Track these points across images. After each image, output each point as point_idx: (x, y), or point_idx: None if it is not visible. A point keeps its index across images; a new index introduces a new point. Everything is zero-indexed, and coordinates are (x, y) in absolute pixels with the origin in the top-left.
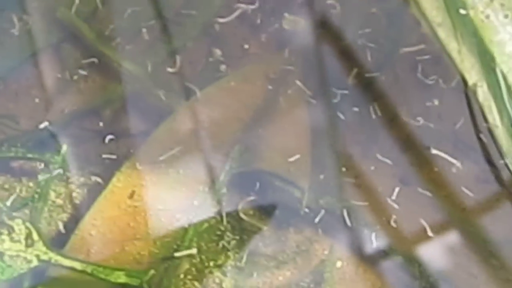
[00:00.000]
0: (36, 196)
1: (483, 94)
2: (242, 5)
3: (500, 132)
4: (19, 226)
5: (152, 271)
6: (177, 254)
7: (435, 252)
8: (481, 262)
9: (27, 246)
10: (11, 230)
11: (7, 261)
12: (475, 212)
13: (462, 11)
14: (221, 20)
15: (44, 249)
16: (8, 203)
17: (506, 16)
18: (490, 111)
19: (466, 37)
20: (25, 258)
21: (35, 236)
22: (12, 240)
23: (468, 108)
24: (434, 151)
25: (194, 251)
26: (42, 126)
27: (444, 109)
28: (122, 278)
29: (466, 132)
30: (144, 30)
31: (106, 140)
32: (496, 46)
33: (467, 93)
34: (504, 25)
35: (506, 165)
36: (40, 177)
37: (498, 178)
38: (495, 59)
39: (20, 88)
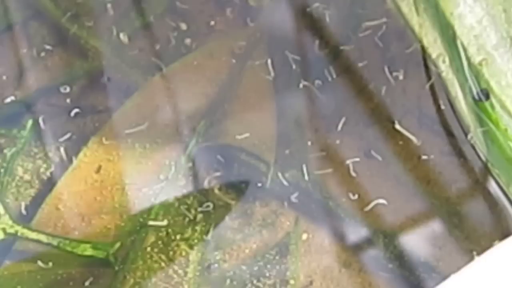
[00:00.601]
0: (2, 170)
1: (445, 67)
2: None
3: (462, 105)
4: None
5: (118, 244)
6: (150, 223)
7: (399, 224)
8: (445, 234)
9: None
10: None
11: None
12: (439, 185)
13: None
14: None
15: (10, 222)
16: None
17: None
18: (452, 85)
19: (428, 11)
20: None
21: (1, 209)
22: None
23: (430, 81)
24: (398, 126)
25: (164, 222)
26: (8, 100)
27: (408, 83)
28: (88, 251)
29: (430, 105)
30: (109, 6)
31: (72, 114)
32: (456, 18)
33: (430, 67)
34: None
35: (467, 137)
36: (6, 152)
37: (461, 150)
38: (456, 32)
39: None
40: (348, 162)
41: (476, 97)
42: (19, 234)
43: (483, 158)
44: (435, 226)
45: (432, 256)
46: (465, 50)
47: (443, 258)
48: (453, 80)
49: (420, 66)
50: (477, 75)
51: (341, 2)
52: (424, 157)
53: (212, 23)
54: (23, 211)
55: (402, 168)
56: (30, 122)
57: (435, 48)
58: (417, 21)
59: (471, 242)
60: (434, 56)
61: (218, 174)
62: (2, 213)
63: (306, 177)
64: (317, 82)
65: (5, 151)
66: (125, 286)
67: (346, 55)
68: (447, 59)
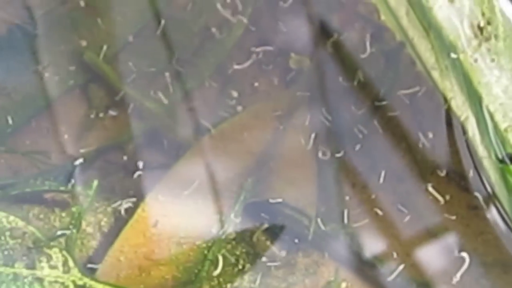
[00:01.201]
0: (71, 227)
1: (472, 129)
2: (253, 49)
3: (488, 164)
4: (56, 254)
5: None
6: (204, 274)
7: (430, 275)
8: (472, 283)
9: (64, 272)
10: (49, 258)
11: (46, 286)
12: (467, 237)
13: (453, 55)
14: (236, 66)
15: (79, 275)
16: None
17: (492, 60)
18: (478, 145)
19: (456, 78)
20: (62, 284)
21: (70, 263)
22: (50, 267)
23: (459, 141)
24: (430, 188)
25: (216, 272)
26: (77, 162)
27: (438, 141)
28: None
29: (457, 163)
30: (162, 71)
31: (130, 171)
32: (483, 87)
33: (457, 127)
34: (490, 69)
35: (495, 195)
36: (74, 209)
37: (487, 206)
38: (483, 99)
39: (50, 125)
40: (382, 215)
41: (502, 159)
42: (87, 286)
43: (508, 214)
44: (466, 277)
45: None
46: (491, 115)
47: None
48: (479, 141)
49: (449, 126)
50: (503, 140)
51: (376, 65)
52: (452, 213)
53: (256, 84)
54: (87, 263)
55: (431, 222)
56: (95, 182)
57: (463, 110)
58: (446, 85)
59: None
60: (462, 118)
61: (264, 227)
62: (72, 266)
63: (345, 230)
64: (353, 141)
65: (73, 209)
66: None
67: (380, 115)
68: (474, 122)
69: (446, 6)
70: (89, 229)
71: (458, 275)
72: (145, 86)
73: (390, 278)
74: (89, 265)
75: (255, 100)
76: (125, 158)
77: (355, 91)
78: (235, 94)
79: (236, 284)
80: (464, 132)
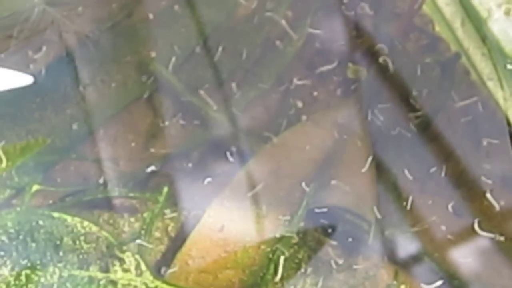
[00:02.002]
0: (143, 232)
1: None
2: (313, 60)
3: None
4: (129, 258)
5: None
6: (269, 277)
7: (489, 276)
8: None
9: (137, 275)
10: (122, 262)
11: None
12: None
13: (509, 66)
14: (298, 82)
15: (151, 278)
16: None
17: None
18: None
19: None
20: (135, 286)
21: (143, 266)
22: (124, 270)
23: None
24: (488, 195)
25: (279, 276)
26: (148, 170)
27: (492, 150)
28: None
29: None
30: (227, 79)
31: (195, 178)
32: None
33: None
34: None
35: None
36: (145, 215)
37: None
38: None
39: (118, 133)
40: (437, 221)
41: None
42: None
43: None
44: None
45: None
46: None
47: None
48: None
49: (504, 135)
50: None
51: (431, 76)
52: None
53: (315, 94)
54: (157, 267)
55: (486, 226)
56: (165, 189)
57: None
58: (502, 95)
59: None
60: None
61: (326, 231)
62: (144, 269)
63: (404, 234)
64: (409, 149)
65: (144, 215)
66: None
67: (436, 126)
68: None
69: (502, 19)
70: (157, 234)
71: None
72: (210, 96)
73: (447, 280)
74: (159, 269)
75: (315, 109)
76: (190, 165)
77: (411, 101)
78: (299, 103)
79: (299, 287)
80: None
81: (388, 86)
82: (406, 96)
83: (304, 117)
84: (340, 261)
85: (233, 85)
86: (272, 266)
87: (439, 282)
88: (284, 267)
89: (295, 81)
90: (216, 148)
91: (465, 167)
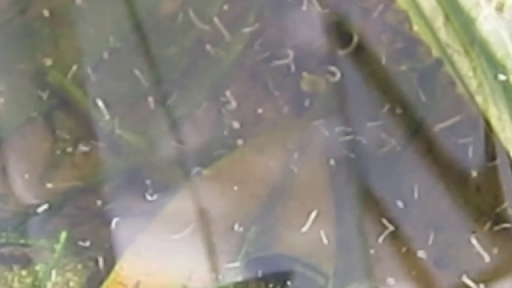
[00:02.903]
0: None
1: None
2: (257, 68)
3: None
4: None
5: None
6: None
7: None
8: None
9: None
10: None
11: None
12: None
13: (502, 77)
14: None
15: None
16: None
17: None
18: None
19: (506, 104)
20: None
21: None
22: None
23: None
24: (473, 240)
25: None
26: (40, 209)
27: (482, 181)
28: None
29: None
30: (146, 95)
31: (106, 219)
32: None
33: (506, 164)
34: None
35: None
36: (37, 267)
37: None
38: None
39: (8, 162)
40: (416, 272)
41: None
42: None
43: None
44: None
45: None
46: None
47: None
48: None
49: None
50: None
51: (407, 87)
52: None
53: (260, 111)
54: None
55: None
56: (63, 235)
57: None
58: (495, 113)
59: None
60: None
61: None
62: None
63: None
64: (381, 179)
65: (36, 267)
66: None
67: (414, 148)
68: None
69: (493, 17)
70: None
71: None
72: (123, 114)
73: None
74: None
75: (259, 132)
76: (99, 203)
77: (382, 119)
78: (235, 124)
79: None
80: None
81: (353, 101)
82: (375, 113)
83: (241, 141)
84: None
85: (153, 100)
86: None
87: None
88: None
89: (233, 95)
90: (132, 181)
91: (448, 204)
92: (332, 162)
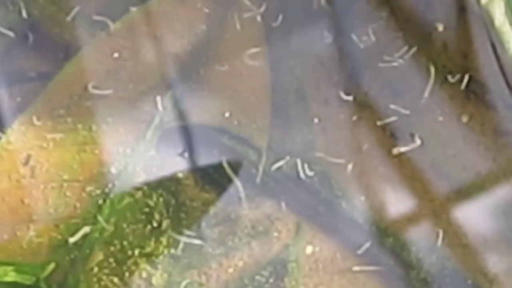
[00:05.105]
0: None
1: (499, 14)
2: None
3: None
4: None
5: (52, 265)
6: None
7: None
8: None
9: None
10: None
11: None
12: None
13: None
14: None
15: None
16: None
17: None
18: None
19: None
20: None
21: None
22: None
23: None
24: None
25: (116, 231)
26: None
27: (449, 37)
28: (10, 276)
29: (477, 67)
30: None
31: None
32: None
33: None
34: None
35: None
36: None
37: None
38: None
39: None
40: (366, 148)
41: None
42: None
43: None
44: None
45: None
46: None
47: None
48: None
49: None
50: None
51: None
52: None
53: None
54: None
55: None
56: None
57: None
58: None
59: None
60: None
61: (191, 164)
62: None
63: (311, 169)
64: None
65: None
66: None
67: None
68: (502, 3)
69: None
70: None
71: None
72: None
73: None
74: None
75: None
76: None
77: None
78: None
79: (148, 249)
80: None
81: None
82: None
83: None
84: (214, 210)
85: None
86: (102, 218)
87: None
88: (124, 219)
89: None
90: (27, 37)
91: (412, 58)
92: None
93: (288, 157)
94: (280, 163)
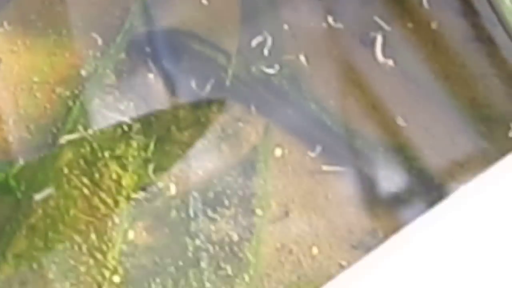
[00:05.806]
0: None
1: None
2: None
3: None
4: None
5: (21, 162)
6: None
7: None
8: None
9: None
10: None
11: None
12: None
13: None
14: None
15: None
16: None
17: None
18: None
19: None
20: None
21: None
22: None
23: None
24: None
25: (87, 134)
26: None
27: None
28: None
29: None
30: None
31: None
32: None
33: None
34: None
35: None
36: None
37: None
38: None
39: None
40: (340, 51)
41: None
42: None
43: None
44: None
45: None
46: None
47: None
48: None
49: None
50: None
51: None
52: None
53: None
54: None
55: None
56: None
57: None
58: None
59: None
60: None
61: (161, 68)
62: None
63: (281, 71)
64: None
65: None
66: (31, 218)
67: None
68: None
69: None
70: None
71: None
72: None
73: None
74: None
75: None
76: None
77: None
78: None
79: (118, 152)
80: None
81: None
82: None
83: None
84: (184, 113)
85: None
86: (71, 119)
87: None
88: (93, 120)
89: None
90: None
91: None
92: None
93: (258, 63)
94: (250, 68)
